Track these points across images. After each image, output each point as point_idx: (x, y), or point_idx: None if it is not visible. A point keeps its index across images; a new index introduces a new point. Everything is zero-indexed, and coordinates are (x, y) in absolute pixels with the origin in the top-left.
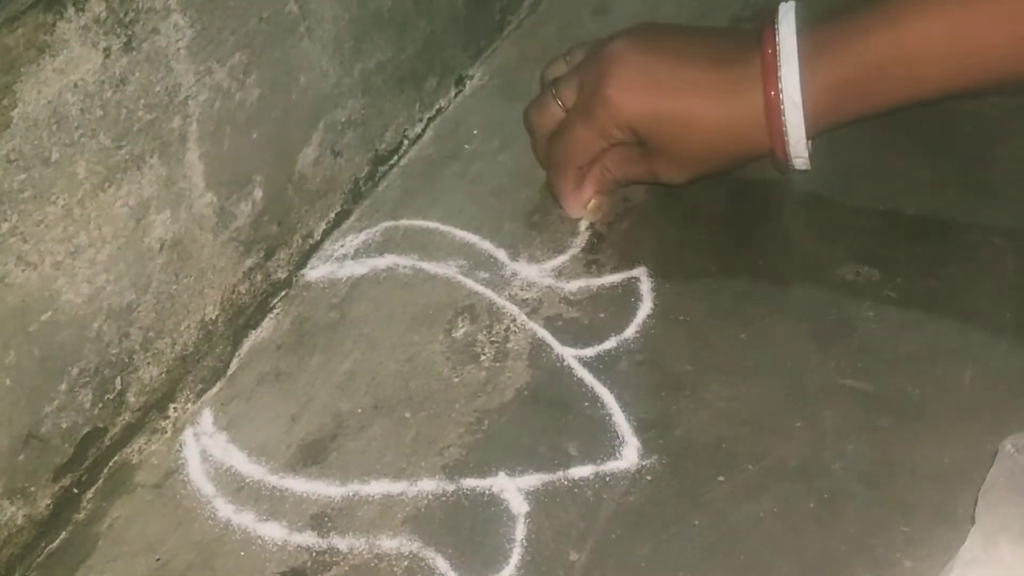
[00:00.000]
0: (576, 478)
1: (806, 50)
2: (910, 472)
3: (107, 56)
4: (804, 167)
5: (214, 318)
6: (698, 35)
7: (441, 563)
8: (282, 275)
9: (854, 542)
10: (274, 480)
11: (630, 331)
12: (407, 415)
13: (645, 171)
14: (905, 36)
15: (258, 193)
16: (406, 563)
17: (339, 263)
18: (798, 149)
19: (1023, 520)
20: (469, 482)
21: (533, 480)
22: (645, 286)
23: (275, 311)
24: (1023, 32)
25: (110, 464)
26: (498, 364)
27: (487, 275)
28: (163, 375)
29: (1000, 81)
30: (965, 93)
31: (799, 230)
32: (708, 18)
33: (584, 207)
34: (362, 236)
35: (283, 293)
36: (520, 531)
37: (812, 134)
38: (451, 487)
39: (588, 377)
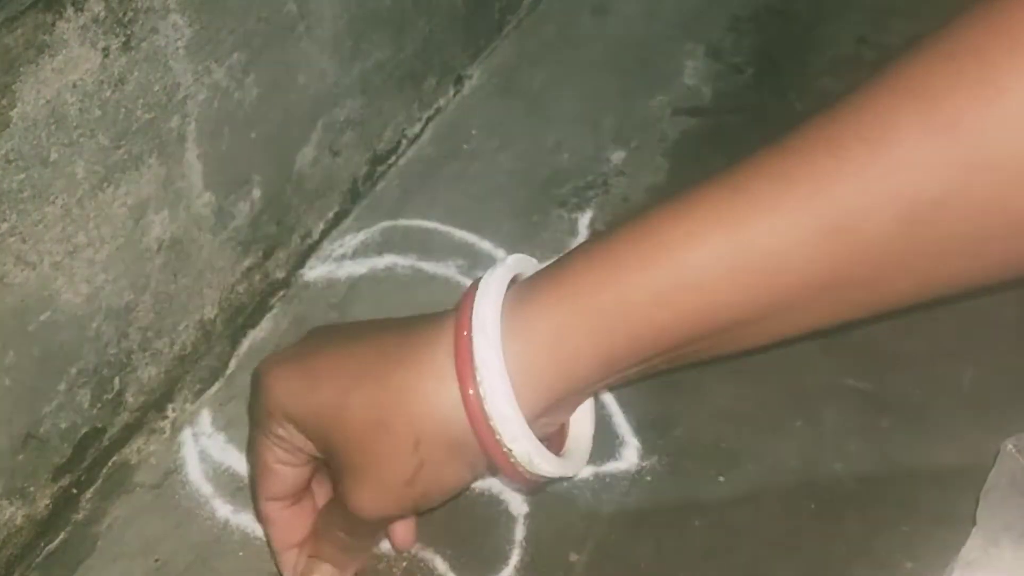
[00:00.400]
0: (575, 479)
1: (518, 321)
2: (910, 472)
3: (106, 56)
4: (565, 474)
5: (213, 318)
6: (397, 321)
7: (440, 564)
8: (281, 275)
9: (854, 542)
10: None
11: None
12: None
13: (339, 505)
14: (657, 275)
15: (256, 193)
16: (405, 564)
17: (338, 263)
18: (537, 458)
19: None
20: None
21: None
22: None
23: (274, 311)
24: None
25: (109, 464)
26: None
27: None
28: (162, 375)
29: (803, 318)
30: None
31: None
32: (707, 16)
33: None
34: (361, 236)
35: (282, 293)
36: (519, 532)
37: (545, 427)
38: None
39: None
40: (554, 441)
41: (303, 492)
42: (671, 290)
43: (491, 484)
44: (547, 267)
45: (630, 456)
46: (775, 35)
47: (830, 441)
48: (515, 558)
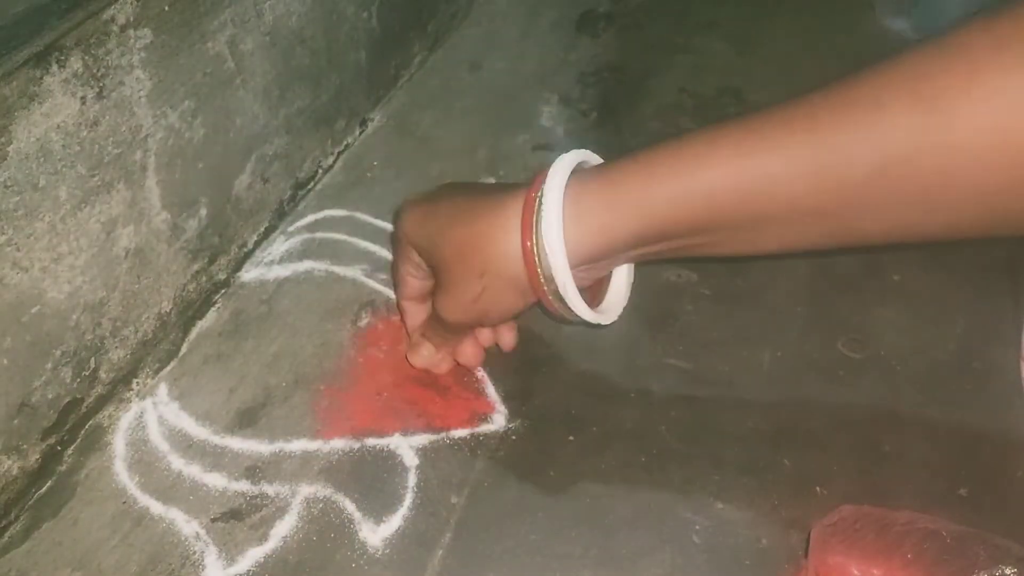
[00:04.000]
0: (456, 437)
1: (574, 197)
2: (721, 433)
3: (83, 103)
4: (594, 320)
5: (168, 311)
6: (495, 185)
7: (349, 505)
8: (222, 277)
9: (676, 489)
10: (216, 440)
11: None
12: (322, 388)
13: (432, 307)
14: (676, 180)
15: (203, 212)
16: (321, 505)
17: (267, 267)
18: (573, 302)
19: None
20: (371, 441)
21: (422, 439)
22: None
23: (217, 305)
24: (800, 193)
25: (86, 427)
26: (394, 347)
27: (385, 276)
28: (128, 356)
29: (786, 231)
30: (771, 250)
31: None
32: (560, 72)
33: (418, 354)
34: (286, 245)
35: (223, 291)
36: (412, 480)
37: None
38: (357, 445)
39: None
40: (594, 295)
41: (426, 295)
42: (685, 197)
43: (388, 442)
44: (603, 165)
45: (499, 420)
46: (613, 87)
47: (657, 408)
48: (408, 500)
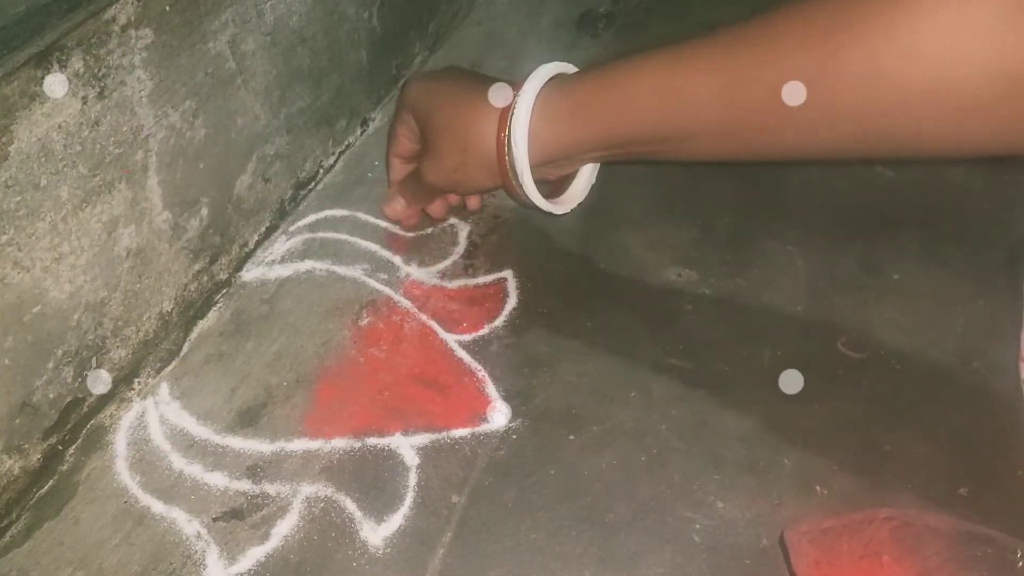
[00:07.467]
0: (457, 437)
1: (544, 100)
2: (721, 432)
3: (84, 103)
4: (547, 208)
5: (170, 310)
6: (493, 79)
7: (350, 504)
8: (223, 276)
9: (677, 488)
10: (217, 439)
11: (500, 320)
12: (323, 387)
13: (417, 167)
14: (617, 94)
15: (204, 211)
16: (322, 505)
17: (269, 267)
18: (529, 190)
19: None
20: (372, 440)
21: (423, 439)
22: (511, 284)
23: (218, 305)
24: (726, 100)
25: (88, 426)
26: (395, 347)
27: (386, 276)
28: (129, 356)
29: (707, 144)
30: (695, 159)
31: (633, 240)
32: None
33: (392, 206)
34: (287, 245)
35: (224, 291)
36: (412, 479)
37: (539, 174)
38: (358, 444)
39: (466, 357)
40: (558, 188)
41: (411, 158)
42: (622, 111)
43: (389, 442)
44: (571, 75)
45: (500, 420)
46: None
47: (658, 407)
48: (409, 499)
